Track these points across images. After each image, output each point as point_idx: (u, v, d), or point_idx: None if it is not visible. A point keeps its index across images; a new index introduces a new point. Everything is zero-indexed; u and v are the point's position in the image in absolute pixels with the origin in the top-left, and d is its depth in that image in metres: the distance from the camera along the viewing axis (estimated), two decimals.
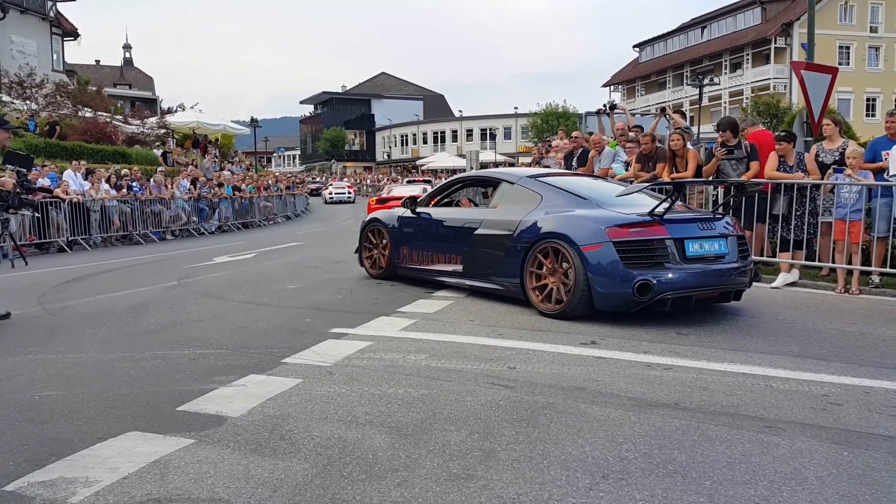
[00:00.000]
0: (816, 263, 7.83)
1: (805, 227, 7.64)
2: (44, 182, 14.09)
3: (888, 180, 7.15)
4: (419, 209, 7.64)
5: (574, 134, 12.12)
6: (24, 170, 6.83)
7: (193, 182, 19.89)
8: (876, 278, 7.25)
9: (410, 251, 7.58)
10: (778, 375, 4.08)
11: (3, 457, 2.96)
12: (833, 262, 7.48)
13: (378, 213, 8.47)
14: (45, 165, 15.60)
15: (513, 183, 6.74)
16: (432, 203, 7.78)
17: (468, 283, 6.76)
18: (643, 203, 6.01)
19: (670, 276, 5.32)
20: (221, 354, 4.72)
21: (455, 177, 8.38)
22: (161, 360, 4.59)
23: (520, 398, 3.67)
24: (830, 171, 7.63)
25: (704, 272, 5.53)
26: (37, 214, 12.83)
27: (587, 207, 5.95)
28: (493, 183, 7.26)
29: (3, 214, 6.50)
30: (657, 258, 5.40)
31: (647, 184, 7.27)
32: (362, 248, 8.36)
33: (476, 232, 6.60)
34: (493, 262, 6.37)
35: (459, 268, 6.85)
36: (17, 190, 6.42)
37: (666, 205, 5.61)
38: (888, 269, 7.12)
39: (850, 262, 7.25)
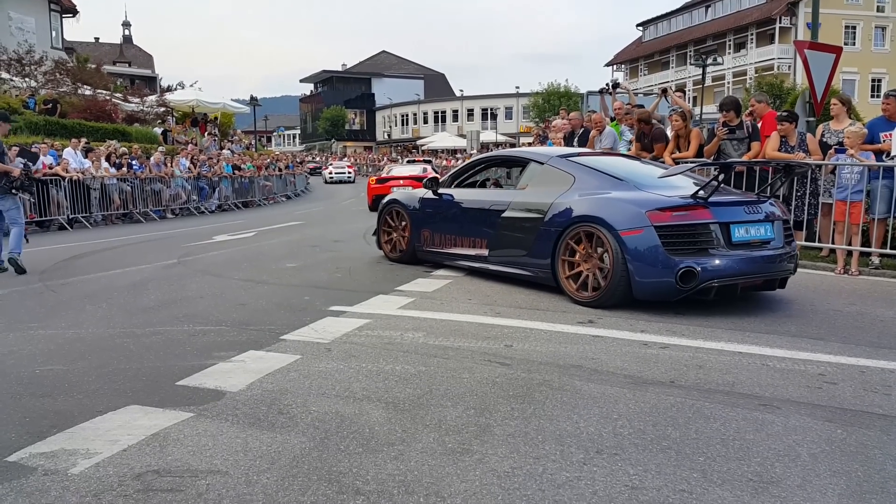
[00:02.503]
0: (816, 244, 7.84)
1: (805, 208, 7.63)
2: (44, 160, 14.09)
3: (885, 161, 7.13)
4: (441, 190, 7.29)
5: (571, 115, 12.01)
6: (31, 163, 8.10)
7: (193, 161, 19.84)
8: (875, 259, 7.26)
9: (432, 234, 7.27)
10: (774, 355, 4.10)
11: (5, 428, 2.99)
12: (833, 243, 7.48)
13: (397, 194, 8.19)
14: (45, 143, 15.54)
15: (542, 163, 6.37)
16: (455, 184, 7.44)
17: (493, 268, 6.43)
18: (684, 185, 5.62)
19: (716, 262, 5.00)
20: (221, 331, 4.75)
21: (479, 156, 8.04)
22: (161, 336, 4.62)
23: (516, 375, 3.70)
24: (832, 151, 7.61)
25: (751, 258, 5.19)
26: (32, 200, 13.03)
27: (625, 189, 5.59)
28: (521, 163, 6.85)
29: (19, 193, 7.91)
30: (701, 244, 5.07)
31: (691, 164, 6.84)
32: (380, 230, 8.04)
33: (503, 215, 6.25)
34: (522, 247, 6.05)
35: (484, 252, 6.52)
36: (23, 177, 7.77)
37: (711, 188, 5.27)
38: (888, 251, 7.13)
39: (849, 244, 7.25)
